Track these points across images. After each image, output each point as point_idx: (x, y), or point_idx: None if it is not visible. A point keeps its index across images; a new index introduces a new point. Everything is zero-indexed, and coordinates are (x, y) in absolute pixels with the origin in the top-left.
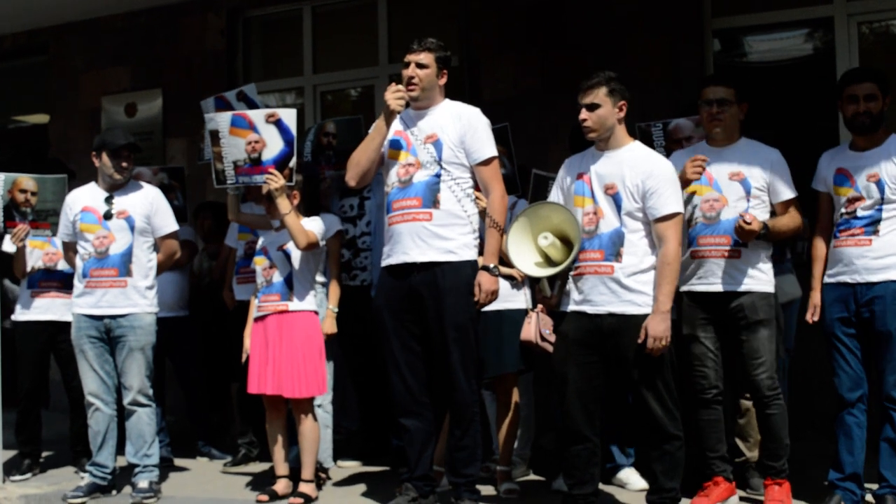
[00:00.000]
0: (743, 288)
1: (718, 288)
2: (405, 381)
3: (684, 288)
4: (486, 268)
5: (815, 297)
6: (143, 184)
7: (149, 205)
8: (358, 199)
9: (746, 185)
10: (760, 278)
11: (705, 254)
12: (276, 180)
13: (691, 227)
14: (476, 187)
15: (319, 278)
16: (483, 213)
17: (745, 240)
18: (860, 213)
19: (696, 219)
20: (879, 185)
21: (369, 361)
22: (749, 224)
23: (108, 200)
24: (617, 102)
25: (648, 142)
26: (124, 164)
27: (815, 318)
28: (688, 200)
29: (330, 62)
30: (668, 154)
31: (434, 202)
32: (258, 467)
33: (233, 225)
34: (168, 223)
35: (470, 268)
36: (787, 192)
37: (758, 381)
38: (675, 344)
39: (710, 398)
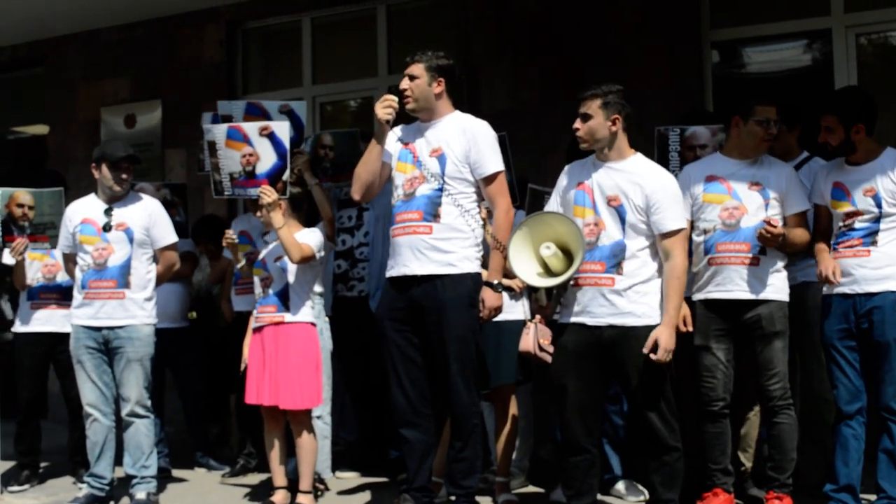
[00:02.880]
0: (761, 296)
1: (737, 295)
2: (405, 392)
3: (699, 296)
4: (489, 283)
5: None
6: (142, 195)
7: (147, 217)
8: (356, 210)
9: (765, 195)
10: (778, 287)
11: (724, 261)
12: (268, 195)
13: (707, 235)
14: (481, 200)
15: (317, 288)
16: (485, 226)
17: (768, 245)
18: (858, 224)
19: (715, 227)
20: (876, 199)
21: (368, 371)
22: (775, 227)
23: (108, 212)
24: (610, 116)
25: (664, 146)
26: (124, 176)
27: (838, 277)
28: (698, 210)
29: (329, 73)
30: (681, 160)
31: (435, 216)
32: (257, 478)
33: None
34: (167, 235)
35: (471, 280)
36: (801, 204)
37: (770, 391)
38: (678, 355)
39: (717, 410)
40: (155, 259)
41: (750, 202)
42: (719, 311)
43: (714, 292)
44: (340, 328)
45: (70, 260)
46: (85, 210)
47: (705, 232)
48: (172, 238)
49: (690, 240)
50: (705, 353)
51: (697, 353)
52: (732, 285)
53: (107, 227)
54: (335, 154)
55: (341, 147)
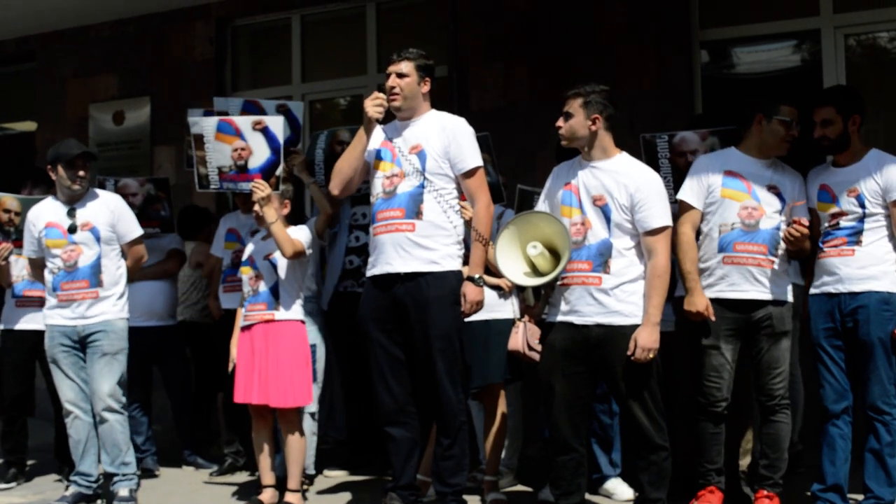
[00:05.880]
0: (771, 297)
1: (751, 296)
2: (390, 391)
3: (710, 295)
4: (470, 278)
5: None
6: (99, 192)
7: (110, 213)
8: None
9: (782, 200)
10: (786, 288)
11: (741, 261)
12: (262, 189)
13: (723, 232)
14: (461, 197)
15: (311, 285)
16: (469, 223)
17: (794, 247)
18: (843, 224)
19: (733, 225)
20: (859, 199)
21: (359, 369)
22: (804, 228)
23: (71, 213)
24: (590, 115)
25: (653, 153)
26: (81, 174)
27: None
28: (713, 203)
29: (318, 71)
30: (672, 167)
31: (417, 213)
32: (244, 477)
33: (218, 234)
34: (132, 229)
35: (454, 278)
36: (805, 213)
37: (773, 390)
38: (663, 353)
39: (720, 411)
40: (123, 255)
41: (768, 204)
42: (730, 311)
43: (727, 292)
44: (342, 324)
45: (36, 265)
46: (47, 213)
47: (721, 228)
48: (138, 232)
49: (699, 231)
50: (714, 352)
51: (705, 352)
52: (748, 285)
53: (72, 229)
54: None
55: None
